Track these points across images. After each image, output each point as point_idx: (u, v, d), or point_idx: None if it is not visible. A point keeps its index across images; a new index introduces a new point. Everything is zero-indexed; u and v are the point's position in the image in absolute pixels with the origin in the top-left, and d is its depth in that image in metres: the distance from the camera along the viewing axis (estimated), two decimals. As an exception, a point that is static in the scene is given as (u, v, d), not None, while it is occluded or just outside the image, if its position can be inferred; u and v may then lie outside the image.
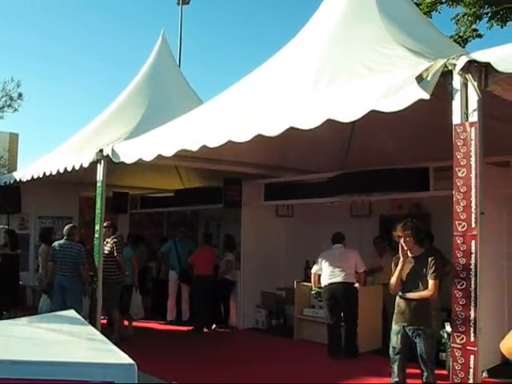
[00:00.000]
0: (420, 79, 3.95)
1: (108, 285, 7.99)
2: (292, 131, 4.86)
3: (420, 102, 3.98)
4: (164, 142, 6.53)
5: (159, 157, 6.54)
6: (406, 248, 5.04)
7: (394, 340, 5.06)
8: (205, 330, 9.38)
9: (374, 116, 4.31)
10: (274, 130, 4.95)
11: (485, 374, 6.15)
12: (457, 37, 16.39)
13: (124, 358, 2.70)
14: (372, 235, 9.06)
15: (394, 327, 5.10)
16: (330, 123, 4.52)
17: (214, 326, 9.57)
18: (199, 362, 7.22)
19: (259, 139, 5.16)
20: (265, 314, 9.61)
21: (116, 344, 3.19)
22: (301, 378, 6.52)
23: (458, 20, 16.93)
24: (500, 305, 6.85)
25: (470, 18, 16.55)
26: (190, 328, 9.45)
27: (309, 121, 4.65)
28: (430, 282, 4.89)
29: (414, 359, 5.10)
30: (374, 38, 5.56)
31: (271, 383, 6.23)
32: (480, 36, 16.82)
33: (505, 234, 7.06)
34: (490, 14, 16.28)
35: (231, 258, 9.71)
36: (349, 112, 4.39)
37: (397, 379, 5.04)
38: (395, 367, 5.06)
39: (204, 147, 5.76)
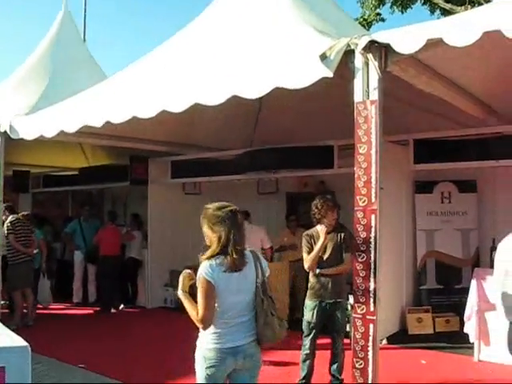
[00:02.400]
0: (323, 57, 4.02)
1: (10, 266, 7.74)
2: (198, 108, 4.83)
3: (325, 80, 4.06)
4: (66, 117, 6.30)
5: (61, 133, 6.30)
6: (332, 225, 5.13)
7: (310, 315, 5.10)
8: (112, 310, 9.22)
9: (279, 93, 4.35)
10: (178, 106, 4.89)
11: (384, 341, 6.49)
12: (362, 19, 16.99)
13: (16, 341, 2.54)
14: (279, 212, 9.18)
15: (309, 303, 5.10)
16: (236, 100, 4.52)
17: (121, 306, 9.42)
18: (107, 343, 7.07)
19: (165, 116, 5.08)
20: (173, 293, 9.56)
21: (17, 328, 3.03)
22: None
23: (363, 3, 17.55)
24: (399, 276, 7.22)
25: (374, 3, 17.23)
26: (97, 309, 9.26)
27: (214, 97, 4.63)
28: (347, 256, 5.00)
29: (323, 332, 5.22)
30: (282, 17, 5.57)
31: (182, 360, 6.24)
32: (383, 20, 17.55)
33: (404, 209, 7.43)
34: (392, 0, 17.01)
35: (136, 234, 9.68)
36: (254, 88, 4.41)
37: (307, 351, 5.13)
38: (307, 340, 5.13)
39: (108, 123, 5.61)
